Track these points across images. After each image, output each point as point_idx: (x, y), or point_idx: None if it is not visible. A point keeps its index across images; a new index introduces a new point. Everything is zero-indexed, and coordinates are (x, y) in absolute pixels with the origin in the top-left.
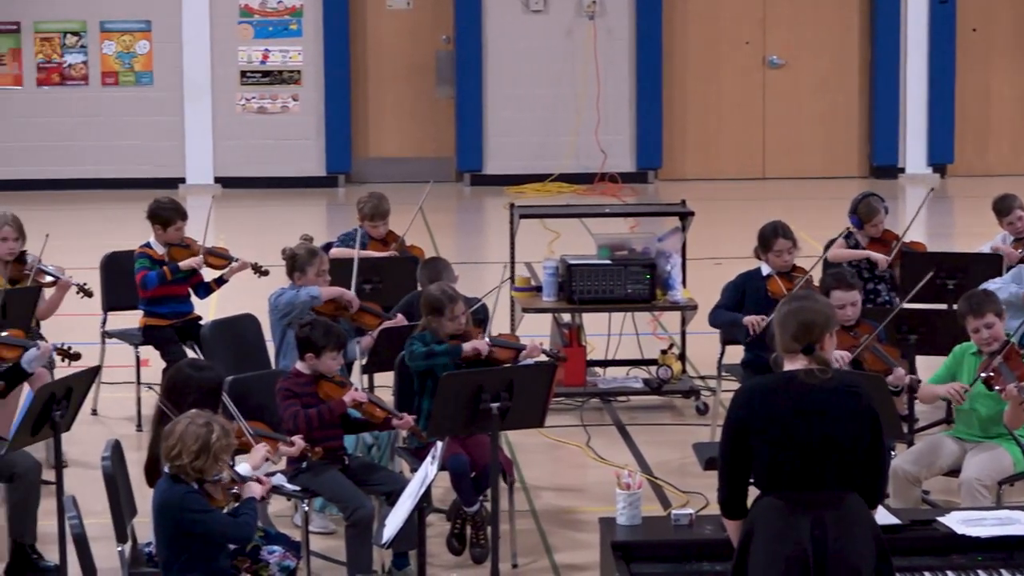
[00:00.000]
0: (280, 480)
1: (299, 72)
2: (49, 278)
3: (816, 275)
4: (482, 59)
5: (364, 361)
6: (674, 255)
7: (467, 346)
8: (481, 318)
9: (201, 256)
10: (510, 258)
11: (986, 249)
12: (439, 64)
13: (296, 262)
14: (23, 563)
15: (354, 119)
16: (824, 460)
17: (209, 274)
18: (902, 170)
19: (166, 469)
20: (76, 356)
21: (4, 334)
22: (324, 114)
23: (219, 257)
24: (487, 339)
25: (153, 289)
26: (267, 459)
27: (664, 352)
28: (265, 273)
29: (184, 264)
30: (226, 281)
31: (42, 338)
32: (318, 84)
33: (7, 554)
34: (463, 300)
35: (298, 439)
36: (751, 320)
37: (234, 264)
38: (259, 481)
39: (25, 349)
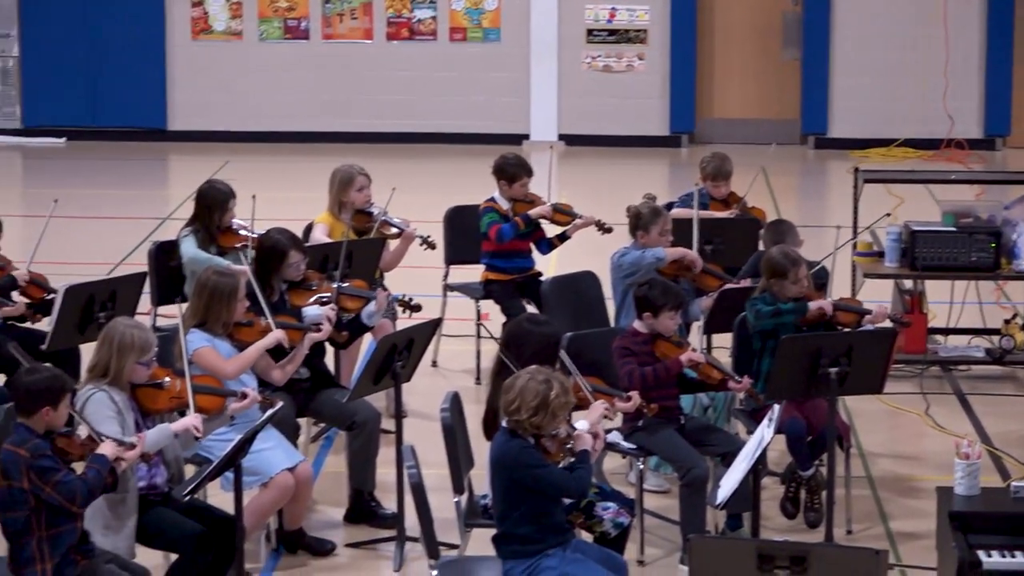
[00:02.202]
0: (616, 438)
1: (645, 31)
2: (394, 230)
3: None
4: (830, 22)
5: (703, 321)
6: (1020, 223)
7: (813, 305)
8: (821, 282)
9: (549, 206)
10: (853, 223)
11: None
12: (786, 26)
13: (640, 220)
14: (362, 510)
15: (699, 79)
16: None
17: (552, 230)
18: None
19: (504, 423)
20: (417, 308)
21: (346, 285)
22: (669, 74)
23: (563, 213)
24: (830, 301)
25: (509, 241)
26: (604, 416)
27: (1007, 322)
28: (609, 230)
29: (534, 213)
30: (568, 237)
31: (384, 288)
32: (664, 43)
33: (347, 500)
34: (805, 263)
35: (635, 395)
36: None
37: (578, 220)
38: (594, 436)
39: (367, 301)
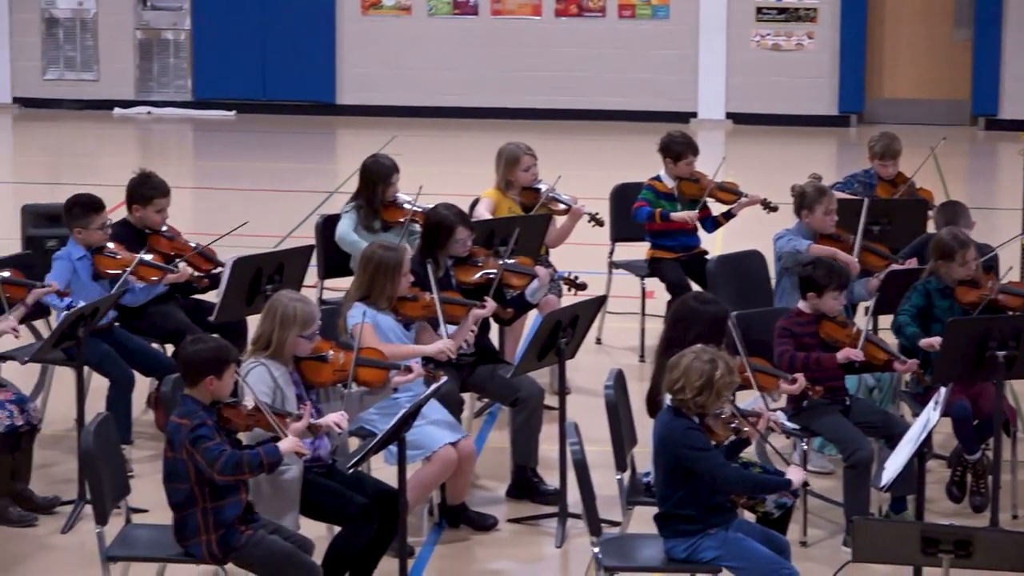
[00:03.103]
0: (780, 417)
1: (815, 10)
2: (562, 206)
3: None
4: (1003, 3)
5: (872, 303)
6: None
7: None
8: (989, 266)
9: (693, 212)
10: (1022, 205)
11: None
12: (958, 6)
13: (804, 200)
14: (524, 486)
15: (869, 59)
16: None
17: (717, 208)
18: None
19: (668, 401)
20: (583, 286)
21: (512, 262)
22: (839, 53)
23: (728, 192)
24: (996, 285)
25: (644, 223)
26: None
27: None
28: (774, 209)
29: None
30: (734, 216)
31: (549, 265)
32: (833, 23)
33: (509, 476)
34: (975, 246)
35: (800, 377)
36: None
37: (743, 199)
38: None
39: (532, 278)
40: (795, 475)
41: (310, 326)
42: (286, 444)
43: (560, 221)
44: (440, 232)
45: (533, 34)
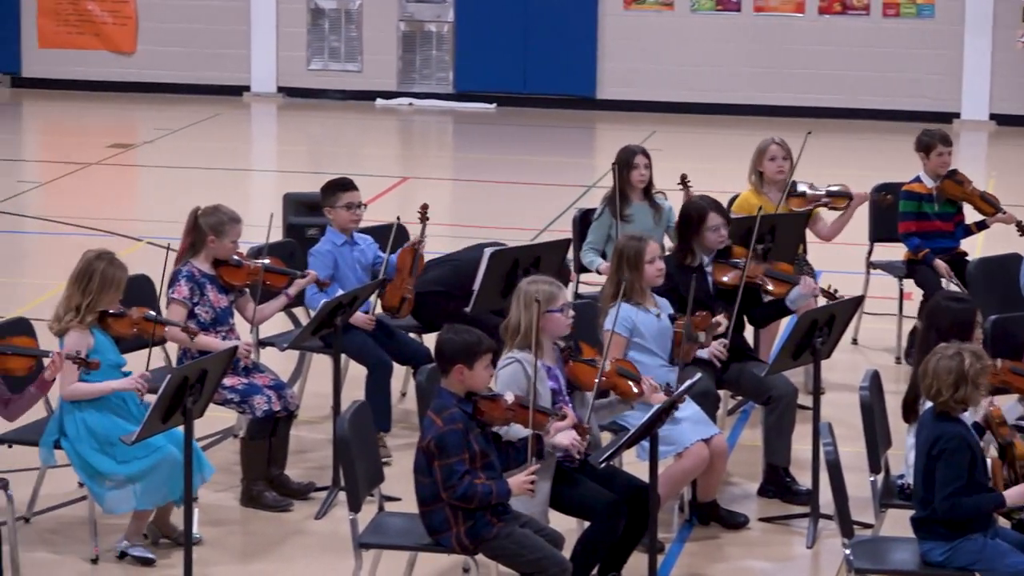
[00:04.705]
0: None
1: None
2: (843, 201)
3: None
4: None
5: None
6: None
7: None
8: None
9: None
10: None
11: None
12: None
13: None
14: (776, 485)
15: None
16: None
17: (972, 214)
18: None
19: (931, 405)
20: (832, 295)
21: (769, 267)
22: None
23: (988, 204)
24: None
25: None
26: None
27: None
28: None
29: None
30: (987, 227)
31: (807, 264)
32: None
33: (761, 475)
34: None
35: None
36: None
37: (1000, 215)
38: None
39: (792, 285)
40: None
41: (555, 301)
42: (560, 438)
43: (831, 217)
44: (692, 219)
45: (795, 31)
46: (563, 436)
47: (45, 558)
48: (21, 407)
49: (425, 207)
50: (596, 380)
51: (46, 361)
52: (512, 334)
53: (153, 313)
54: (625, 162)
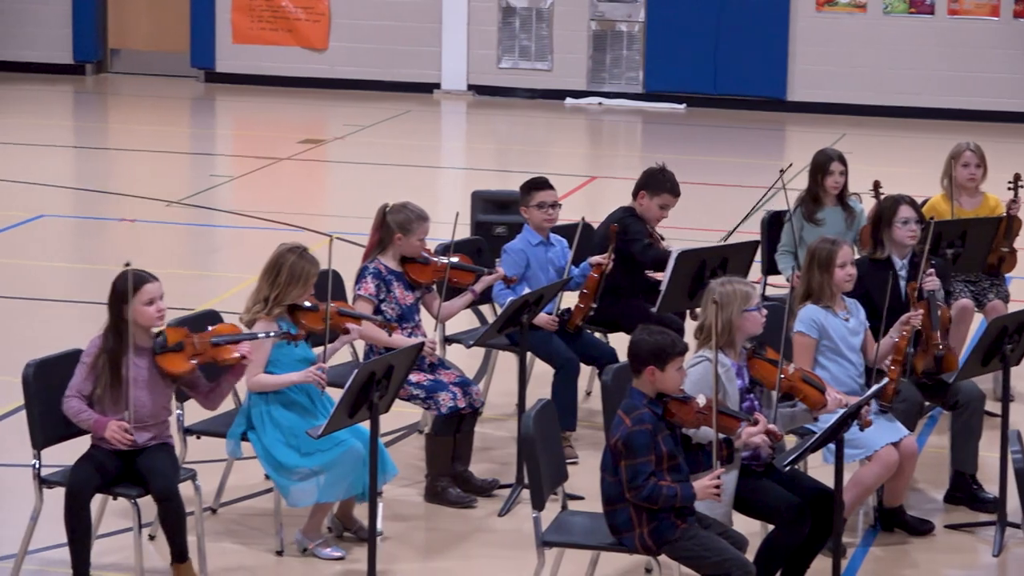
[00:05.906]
0: None
1: None
2: None
3: None
4: None
5: None
6: None
7: None
8: None
9: None
10: None
11: None
12: None
13: None
14: (963, 492)
15: None
16: None
17: None
18: None
19: None
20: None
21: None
22: None
23: None
24: None
25: None
26: None
27: None
28: None
29: None
30: None
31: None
32: None
33: (947, 481)
34: None
35: None
36: None
37: None
38: None
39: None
40: None
41: (751, 301)
42: (698, 484)
43: None
44: (884, 214)
45: (990, 35)
46: (756, 437)
47: (231, 548)
48: (221, 395)
49: None
50: (778, 377)
51: (245, 347)
52: (707, 334)
53: (348, 308)
54: (821, 166)
